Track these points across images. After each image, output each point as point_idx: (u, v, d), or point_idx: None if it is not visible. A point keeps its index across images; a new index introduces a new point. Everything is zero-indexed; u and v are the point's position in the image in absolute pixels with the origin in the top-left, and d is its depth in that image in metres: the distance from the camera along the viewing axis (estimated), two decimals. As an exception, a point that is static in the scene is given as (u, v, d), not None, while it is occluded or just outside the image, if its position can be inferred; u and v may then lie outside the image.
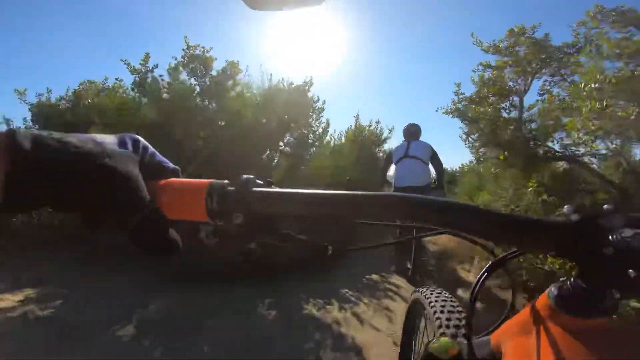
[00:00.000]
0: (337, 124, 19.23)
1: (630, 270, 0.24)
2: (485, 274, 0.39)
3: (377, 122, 6.75)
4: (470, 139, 4.52)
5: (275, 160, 4.79)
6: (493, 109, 3.65)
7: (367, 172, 5.72)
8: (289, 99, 4.47)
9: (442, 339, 0.48)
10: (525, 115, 3.52)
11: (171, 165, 0.36)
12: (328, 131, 5.48)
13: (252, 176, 0.34)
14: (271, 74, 4.59)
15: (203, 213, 0.32)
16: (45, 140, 0.26)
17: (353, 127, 6.51)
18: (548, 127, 3.43)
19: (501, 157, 3.58)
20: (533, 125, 3.53)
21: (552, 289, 0.32)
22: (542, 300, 0.32)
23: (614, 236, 0.26)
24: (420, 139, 3.59)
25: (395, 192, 0.32)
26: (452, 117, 4.17)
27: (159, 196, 0.32)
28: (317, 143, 5.25)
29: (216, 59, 4.22)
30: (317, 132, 5.19)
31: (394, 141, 6.82)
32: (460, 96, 3.98)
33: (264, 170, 4.52)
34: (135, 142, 0.32)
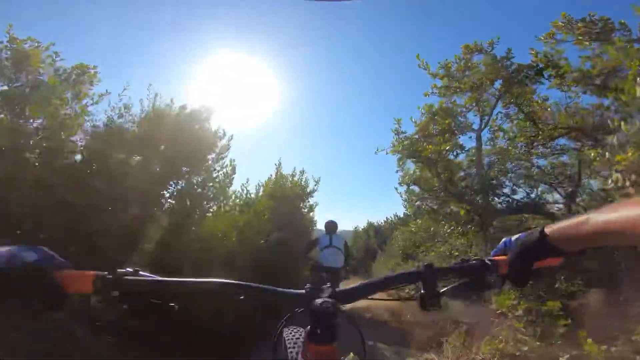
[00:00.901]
0: (257, 177, 17.53)
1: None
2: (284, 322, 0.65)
3: (302, 172, 5.79)
4: (408, 190, 3.84)
5: (155, 220, 3.16)
6: (437, 153, 2.97)
7: (288, 235, 4.45)
8: (180, 129, 3.07)
9: None
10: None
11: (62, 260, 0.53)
12: (233, 178, 4.04)
13: (124, 270, 0.54)
14: (156, 94, 3.19)
15: (90, 289, 0.53)
16: None
17: (273, 177, 5.36)
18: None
19: (462, 212, 2.83)
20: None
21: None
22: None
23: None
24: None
25: (217, 280, 0.58)
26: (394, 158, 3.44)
27: (66, 281, 0.52)
28: (218, 196, 3.78)
29: (61, 58, 2.69)
30: (218, 180, 3.74)
31: (321, 195, 5.96)
32: (401, 136, 3.28)
33: (133, 237, 2.90)
34: (39, 251, 0.50)
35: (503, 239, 0.69)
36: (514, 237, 0.67)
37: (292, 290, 0.59)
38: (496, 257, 0.66)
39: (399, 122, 3.33)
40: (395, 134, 3.31)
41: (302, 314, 0.58)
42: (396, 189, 4.27)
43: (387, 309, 4.82)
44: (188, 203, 3.24)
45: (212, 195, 3.58)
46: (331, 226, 4.77)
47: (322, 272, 4.49)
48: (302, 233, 5.61)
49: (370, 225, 17.07)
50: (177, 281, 0.56)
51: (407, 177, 3.74)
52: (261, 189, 5.09)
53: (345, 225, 22.13)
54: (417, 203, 4.10)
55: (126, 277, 0.54)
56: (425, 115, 3.09)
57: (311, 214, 6.20)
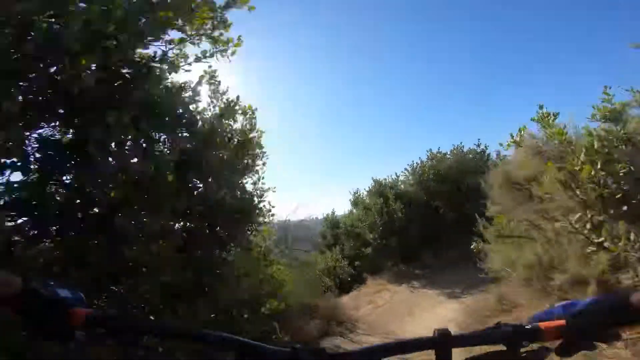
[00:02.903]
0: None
1: None
2: None
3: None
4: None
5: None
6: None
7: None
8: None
9: None
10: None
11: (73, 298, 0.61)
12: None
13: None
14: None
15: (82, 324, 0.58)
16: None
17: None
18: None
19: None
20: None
21: None
22: None
23: None
24: None
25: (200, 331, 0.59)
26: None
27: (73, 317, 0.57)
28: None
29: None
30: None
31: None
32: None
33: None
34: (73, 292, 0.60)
35: (558, 304, 0.58)
36: (581, 302, 0.56)
37: (274, 348, 0.54)
38: (544, 323, 0.56)
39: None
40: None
41: None
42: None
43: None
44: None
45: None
46: None
47: None
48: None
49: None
50: (160, 326, 0.66)
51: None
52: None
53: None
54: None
55: (114, 316, 0.60)
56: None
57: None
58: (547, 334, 0.54)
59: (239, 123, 3.79)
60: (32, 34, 1.93)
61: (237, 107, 3.55)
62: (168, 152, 2.69)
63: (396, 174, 11.41)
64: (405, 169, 11.14)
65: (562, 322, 0.54)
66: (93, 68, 2.14)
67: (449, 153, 10.60)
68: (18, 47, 1.93)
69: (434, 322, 5.15)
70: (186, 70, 2.72)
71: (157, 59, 2.47)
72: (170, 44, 2.57)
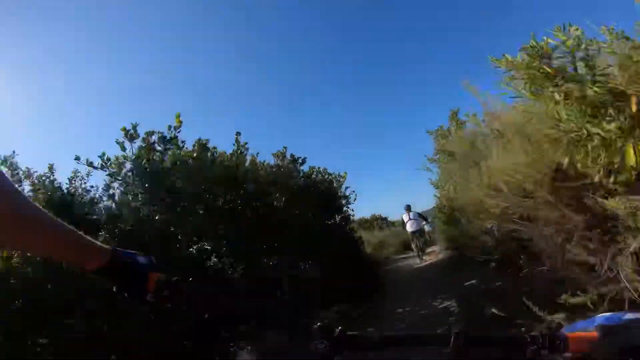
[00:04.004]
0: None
1: None
2: None
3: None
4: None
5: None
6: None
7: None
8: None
9: None
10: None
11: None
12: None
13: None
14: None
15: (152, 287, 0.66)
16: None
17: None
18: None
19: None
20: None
21: None
22: None
23: None
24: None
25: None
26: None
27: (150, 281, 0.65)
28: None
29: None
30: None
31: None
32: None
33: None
34: (147, 258, 0.68)
35: (600, 315, 0.54)
36: (623, 316, 0.51)
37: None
38: (574, 333, 0.52)
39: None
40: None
41: None
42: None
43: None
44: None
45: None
46: (408, 206, 8.29)
47: (413, 234, 7.98)
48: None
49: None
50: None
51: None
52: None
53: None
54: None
55: (177, 281, 0.65)
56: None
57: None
58: (572, 345, 0.50)
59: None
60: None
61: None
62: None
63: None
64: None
65: (594, 334, 0.50)
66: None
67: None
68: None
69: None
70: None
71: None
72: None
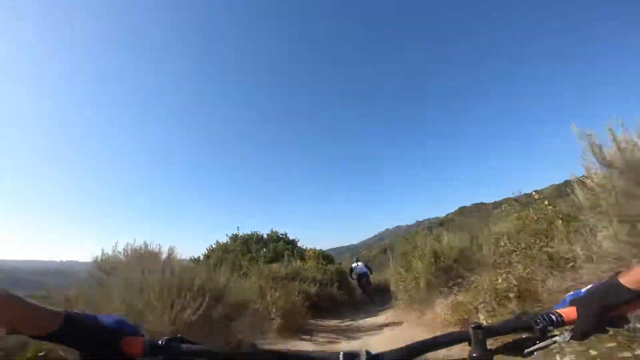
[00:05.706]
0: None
1: None
2: None
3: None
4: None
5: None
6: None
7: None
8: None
9: None
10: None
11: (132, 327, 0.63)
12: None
13: (171, 337, 0.60)
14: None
15: (141, 352, 0.58)
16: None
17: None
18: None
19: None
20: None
21: None
22: None
23: None
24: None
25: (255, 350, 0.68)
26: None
27: (126, 344, 0.58)
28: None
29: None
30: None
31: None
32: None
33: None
34: (120, 320, 0.61)
35: (569, 293, 0.67)
36: (583, 289, 0.64)
37: (325, 353, 0.59)
38: (561, 310, 0.63)
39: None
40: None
41: None
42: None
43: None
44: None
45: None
46: (357, 256, 13.07)
47: (360, 277, 9.95)
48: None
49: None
50: (219, 352, 0.59)
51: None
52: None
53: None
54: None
55: (172, 344, 0.58)
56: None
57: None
58: (565, 319, 0.61)
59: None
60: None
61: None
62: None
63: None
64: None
65: (573, 308, 0.62)
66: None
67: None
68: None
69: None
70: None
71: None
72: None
